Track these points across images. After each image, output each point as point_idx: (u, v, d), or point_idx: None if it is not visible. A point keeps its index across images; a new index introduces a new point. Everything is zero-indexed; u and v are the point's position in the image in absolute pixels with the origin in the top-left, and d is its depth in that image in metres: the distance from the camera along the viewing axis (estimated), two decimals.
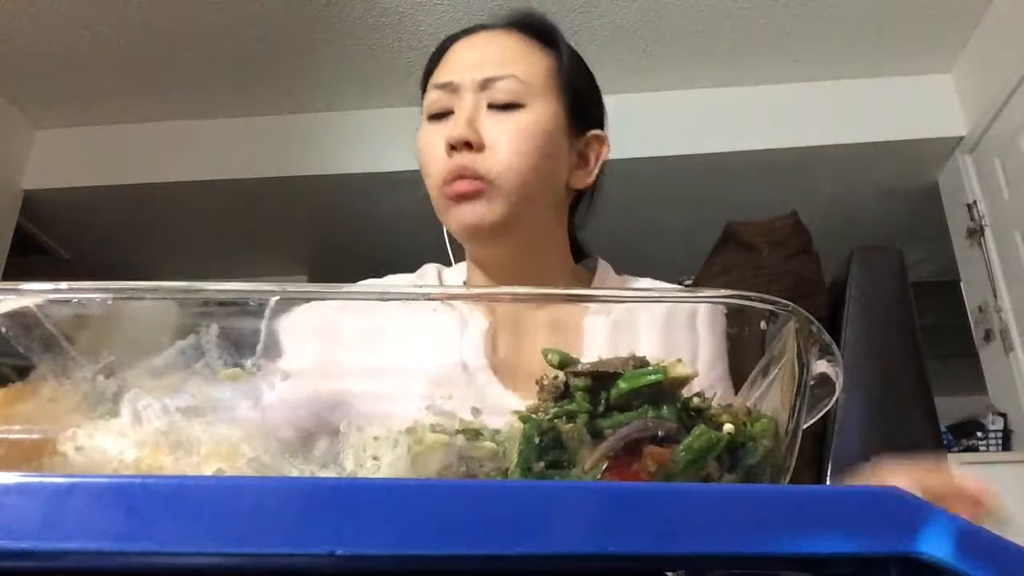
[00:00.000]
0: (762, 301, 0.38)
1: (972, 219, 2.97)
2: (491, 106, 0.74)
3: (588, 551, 0.28)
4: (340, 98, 3.21)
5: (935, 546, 0.28)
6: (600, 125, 0.83)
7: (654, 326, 0.42)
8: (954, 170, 3.12)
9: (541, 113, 0.75)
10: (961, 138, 3.03)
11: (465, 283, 0.84)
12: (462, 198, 0.72)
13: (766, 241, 0.87)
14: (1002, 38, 2.75)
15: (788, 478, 0.40)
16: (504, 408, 0.37)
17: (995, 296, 2.84)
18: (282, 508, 0.27)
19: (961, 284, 3.18)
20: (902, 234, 3.60)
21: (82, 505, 0.26)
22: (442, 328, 0.41)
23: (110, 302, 0.37)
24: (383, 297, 0.41)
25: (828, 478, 0.71)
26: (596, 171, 0.81)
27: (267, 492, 0.28)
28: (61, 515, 0.26)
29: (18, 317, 0.37)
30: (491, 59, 0.76)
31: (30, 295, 0.37)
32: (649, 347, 0.39)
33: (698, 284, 1.00)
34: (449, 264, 0.88)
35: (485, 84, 0.74)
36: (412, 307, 0.41)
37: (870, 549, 0.29)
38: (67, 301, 0.37)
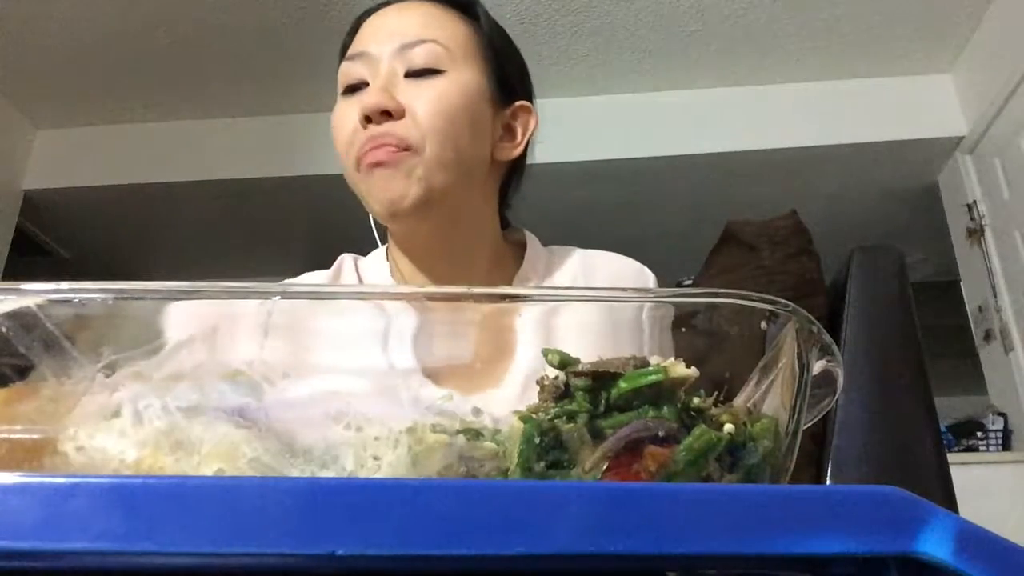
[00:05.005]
0: (762, 301, 0.38)
1: (972, 219, 2.97)
2: (408, 74, 0.70)
3: (588, 551, 0.28)
4: None
5: (935, 546, 0.28)
6: (528, 97, 0.80)
7: (592, 321, 0.41)
8: (954, 170, 3.12)
9: (461, 79, 0.71)
10: (961, 138, 3.03)
11: (389, 267, 0.79)
12: (378, 166, 0.67)
13: (766, 241, 0.87)
14: (1002, 38, 2.75)
15: (788, 478, 0.40)
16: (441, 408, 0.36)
17: (995, 296, 2.84)
18: (282, 508, 0.27)
19: (961, 284, 3.19)
20: (902, 234, 3.60)
21: (83, 505, 0.26)
22: (370, 328, 0.39)
23: (110, 302, 0.37)
24: (349, 296, 0.41)
25: (828, 478, 0.71)
26: (523, 143, 0.78)
27: (267, 492, 0.28)
28: (62, 515, 0.26)
29: (18, 317, 0.37)
30: (408, 26, 0.72)
31: (30, 295, 0.37)
32: (584, 341, 0.38)
33: (698, 284, 1.00)
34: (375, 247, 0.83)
35: (402, 50, 0.70)
36: (339, 308, 0.39)
37: (870, 549, 0.29)
38: (67, 301, 0.37)
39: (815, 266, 0.86)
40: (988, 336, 2.89)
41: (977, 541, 0.29)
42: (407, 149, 0.67)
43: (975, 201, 2.98)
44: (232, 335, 0.39)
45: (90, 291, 0.37)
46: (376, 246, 0.85)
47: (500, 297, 0.41)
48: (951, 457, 0.83)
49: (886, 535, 0.29)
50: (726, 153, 3.14)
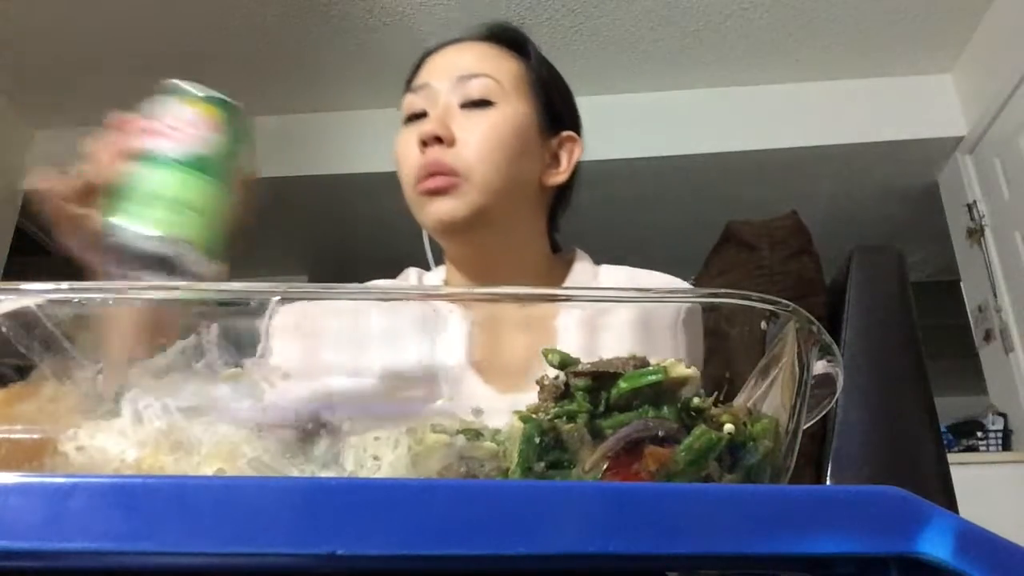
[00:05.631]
0: (762, 301, 0.38)
1: (972, 219, 2.97)
2: (463, 105, 0.77)
3: (588, 551, 0.28)
4: (340, 98, 3.21)
5: (935, 546, 0.29)
6: (575, 128, 0.86)
7: (629, 324, 0.42)
8: (954, 170, 3.12)
9: (511, 111, 0.77)
10: (961, 138, 3.03)
11: (445, 284, 0.85)
12: (434, 193, 0.74)
13: (766, 241, 0.87)
14: (1002, 38, 2.75)
15: (788, 478, 0.40)
16: (489, 407, 0.37)
17: (995, 296, 2.84)
18: (282, 508, 0.27)
19: (961, 284, 3.19)
20: (902, 234, 3.60)
21: (83, 505, 0.26)
22: (423, 328, 0.41)
23: (110, 302, 0.37)
24: (371, 296, 0.41)
25: (828, 478, 0.71)
26: (569, 170, 0.84)
27: (267, 492, 0.28)
28: (62, 515, 0.26)
29: (18, 317, 0.37)
30: (465, 62, 0.79)
31: (30, 295, 0.37)
32: (623, 345, 0.39)
33: (698, 284, 1.00)
34: (429, 269, 0.89)
35: (459, 82, 0.77)
36: (394, 307, 0.41)
37: (870, 549, 0.29)
38: (67, 301, 0.37)
39: (815, 266, 0.86)
40: (988, 336, 2.89)
41: (977, 541, 0.29)
42: (457, 174, 0.74)
43: (975, 201, 2.98)
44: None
45: (90, 291, 0.37)
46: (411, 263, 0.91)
47: (494, 297, 0.41)
48: (951, 457, 0.83)
49: (886, 535, 0.29)
50: (726, 153, 3.14)
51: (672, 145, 3.13)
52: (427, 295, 0.43)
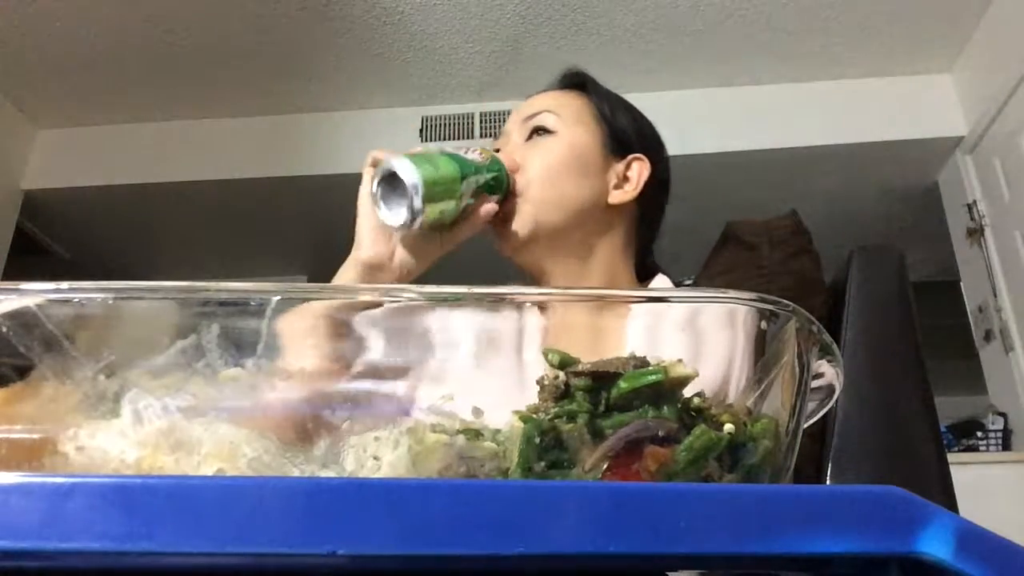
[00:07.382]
0: (762, 301, 0.38)
1: (972, 219, 2.97)
2: (528, 138, 0.88)
3: (588, 551, 0.28)
4: (340, 98, 3.21)
5: (935, 546, 0.28)
6: (645, 151, 0.92)
7: (683, 328, 0.43)
8: (954, 170, 3.12)
9: (570, 136, 0.87)
10: (961, 138, 3.03)
11: None
12: (501, 221, 0.82)
13: (766, 241, 0.87)
14: (1002, 38, 2.75)
15: (788, 478, 0.40)
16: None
17: (995, 296, 2.84)
18: (282, 508, 0.27)
19: (961, 284, 3.18)
20: (902, 234, 3.60)
21: (83, 505, 0.26)
22: (503, 328, 0.42)
23: (110, 302, 0.37)
24: (397, 297, 0.41)
25: (828, 478, 0.71)
26: (636, 188, 0.88)
27: (267, 492, 0.28)
28: (62, 515, 0.26)
29: (18, 317, 0.37)
30: (530, 106, 0.91)
31: (30, 295, 0.37)
32: (680, 349, 0.39)
33: (698, 284, 1.00)
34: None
35: (524, 123, 0.89)
36: (475, 309, 0.42)
37: (870, 549, 0.29)
38: (67, 301, 0.37)
39: (815, 266, 0.86)
40: (988, 336, 2.89)
41: (977, 541, 0.29)
42: (514, 195, 0.83)
43: (975, 201, 2.98)
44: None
45: (90, 291, 0.37)
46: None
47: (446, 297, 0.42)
48: (951, 457, 0.83)
49: (886, 535, 0.29)
50: (726, 153, 3.14)
51: (672, 145, 3.11)
52: (496, 296, 0.44)
